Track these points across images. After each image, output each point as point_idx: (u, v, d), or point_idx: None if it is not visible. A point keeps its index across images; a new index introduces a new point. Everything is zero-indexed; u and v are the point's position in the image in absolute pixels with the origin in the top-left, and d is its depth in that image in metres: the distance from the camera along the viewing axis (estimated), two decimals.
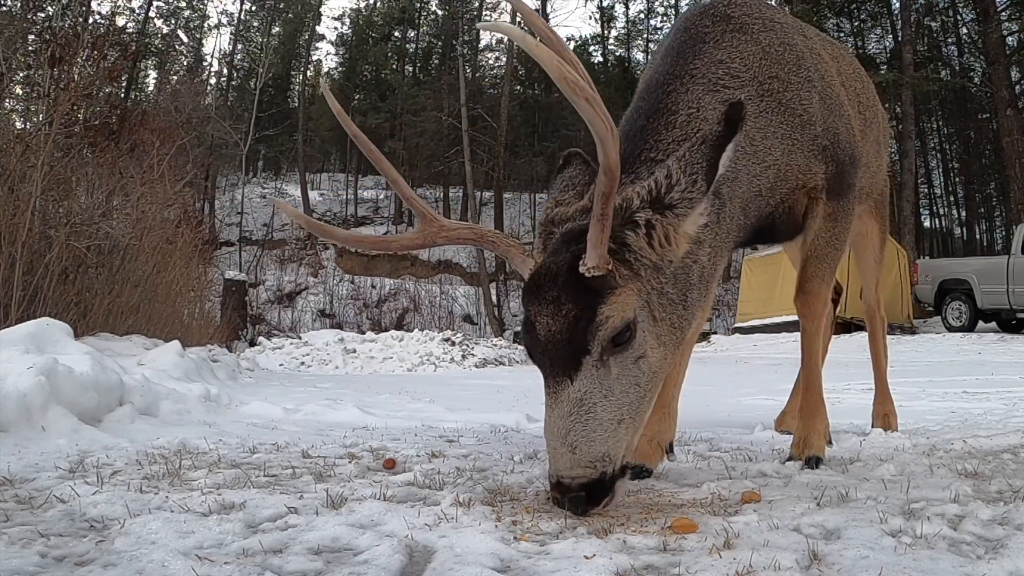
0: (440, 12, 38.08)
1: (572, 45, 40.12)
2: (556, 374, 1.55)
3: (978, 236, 33.36)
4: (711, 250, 1.81)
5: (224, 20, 38.43)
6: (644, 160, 1.82)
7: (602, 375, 1.55)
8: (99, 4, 28.34)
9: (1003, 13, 21.68)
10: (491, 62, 36.91)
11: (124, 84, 22.35)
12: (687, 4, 28.37)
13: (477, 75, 35.62)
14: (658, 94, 1.98)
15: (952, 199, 34.75)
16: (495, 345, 15.35)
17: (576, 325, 1.52)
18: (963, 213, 34.88)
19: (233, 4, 53.00)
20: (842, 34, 29.48)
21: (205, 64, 37.22)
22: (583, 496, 1.50)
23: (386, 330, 17.24)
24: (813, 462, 2.22)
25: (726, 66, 2.05)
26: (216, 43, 67.43)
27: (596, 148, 1.49)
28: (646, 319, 1.60)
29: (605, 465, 1.52)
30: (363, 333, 16.31)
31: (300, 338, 15.28)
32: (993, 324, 14.67)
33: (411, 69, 39.91)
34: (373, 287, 27.22)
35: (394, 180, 1.84)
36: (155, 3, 32.32)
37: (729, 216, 1.91)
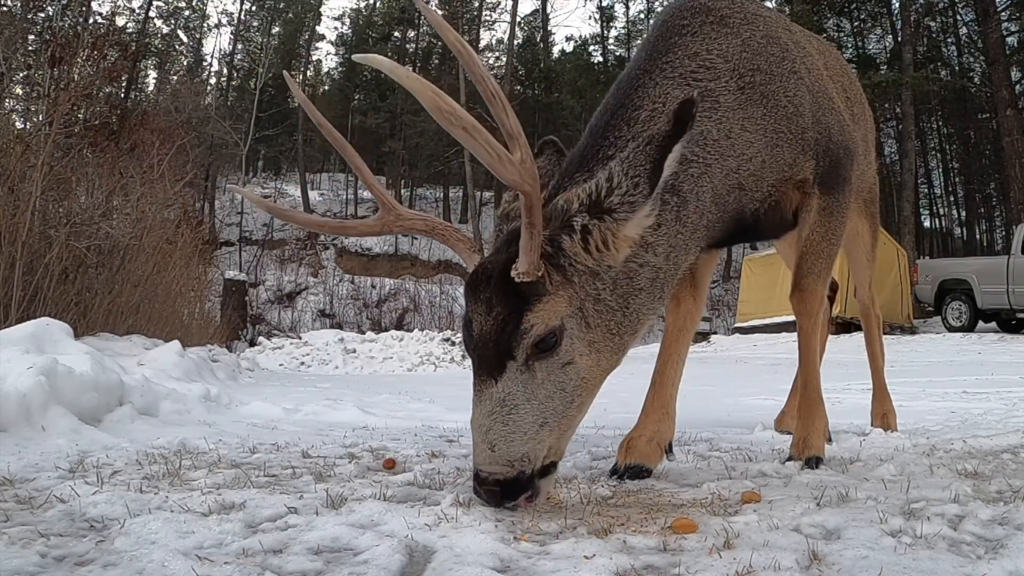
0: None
1: (572, 45, 40.11)
2: (483, 372, 1.59)
3: (978, 236, 33.42)
4: (668, 250, 1.77)
5: (224, 20, 38.56)
6: (601, 158, 1.79)
7: (526, 379, 1.57)
8: (99, 4, 28.41)
9: (1003, 13, 21.75)
10: (491, 62, 36.91)
11: (124, 84, 22.36)
12: None
13: None
14: (626, 89, 1.94)
15: (952, 199, 34.81)
16: None
17: (503, 329, 1.55)
18: (963, 213, 34.96)
19: (233, 4, 53.13)
20: (842, 34, 29.51)
21: (205, 64, 37.31)
22: (497, 490, 1.56)
23: (386, 330, 17.24)
24: (813, 462, 2.20)
25: (701, 59, 1.99)
26: (216, 43, 67.71)
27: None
28: (577, 326, 1.61)
29: (523, 465, 1.56)
30: (363, 333, 16.31)
31: (300, 338, 15.29)
32: (993, 324, 14.69)
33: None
34: (373, 287, 27.22)
35: (357, 167, 1.88)
36: (155, 3, 32.37)
37: (696, 213, 1.86)
